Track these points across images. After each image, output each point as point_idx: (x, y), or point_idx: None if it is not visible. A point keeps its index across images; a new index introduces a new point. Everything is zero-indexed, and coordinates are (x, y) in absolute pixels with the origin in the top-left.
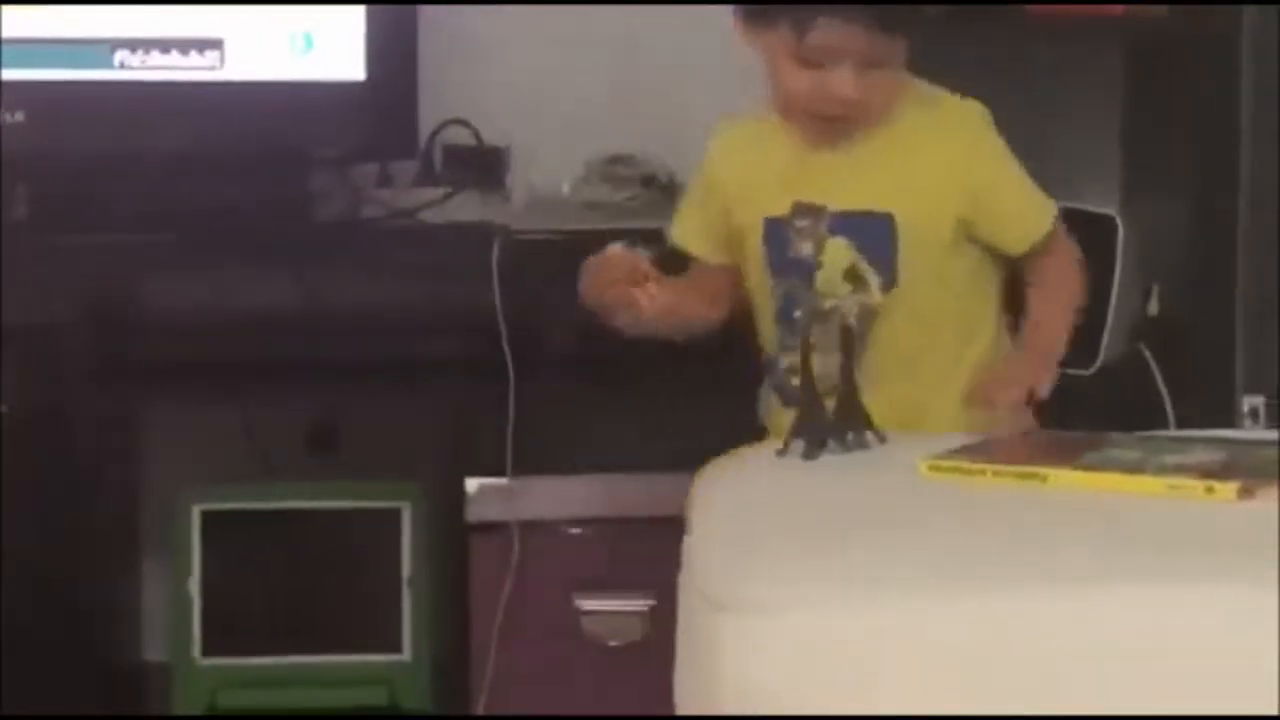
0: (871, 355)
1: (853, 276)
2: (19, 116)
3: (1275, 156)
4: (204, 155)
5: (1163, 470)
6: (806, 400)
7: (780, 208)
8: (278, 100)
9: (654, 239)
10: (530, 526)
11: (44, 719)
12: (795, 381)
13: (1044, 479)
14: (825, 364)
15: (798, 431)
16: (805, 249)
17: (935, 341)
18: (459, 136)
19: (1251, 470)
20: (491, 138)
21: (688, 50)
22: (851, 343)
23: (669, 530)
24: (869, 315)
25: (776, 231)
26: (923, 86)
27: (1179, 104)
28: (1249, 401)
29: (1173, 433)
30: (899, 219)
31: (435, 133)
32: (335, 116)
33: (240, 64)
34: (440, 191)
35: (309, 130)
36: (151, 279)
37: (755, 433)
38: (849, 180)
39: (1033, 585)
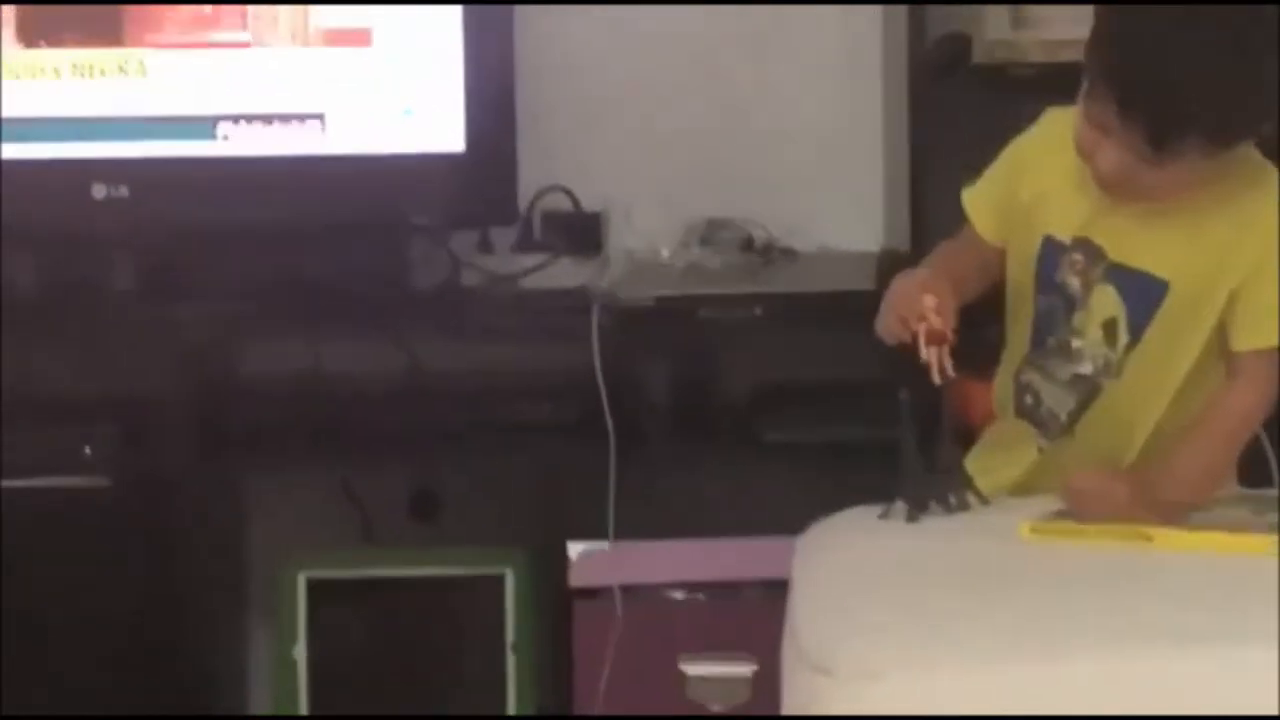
0: (1093, 416)
1: (1108, 330)
2: (123, 191)
3: None
4: (306, 226)
5: (1270, 529)
6: (917, 456)
7: (1064, 230)
8: (379, 171)
9: (757, 303)
10: (633, 591)
11: None
12: (1028, 399)
13: (1149, 539)
14: (1057, 401)
15: (900, 493)
16: (1073, 283)
17: (1149, 415)
18: (558, 203)
19: None
20: (590, 204)
21: (785, 114)
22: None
23: (772, 594)
24: (1108, 373)
25: (1052, 251)
26: (1249, 160)
27: None
28: None
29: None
30: (1174, 289)
31: (535, 200)
32: (436, 186)
33: (341, 137)
34: (540, 257)
35: (410, 200)
36: (255, 348)
37: (857, 495)
38: (1139, 235)
39: (1135, 648)
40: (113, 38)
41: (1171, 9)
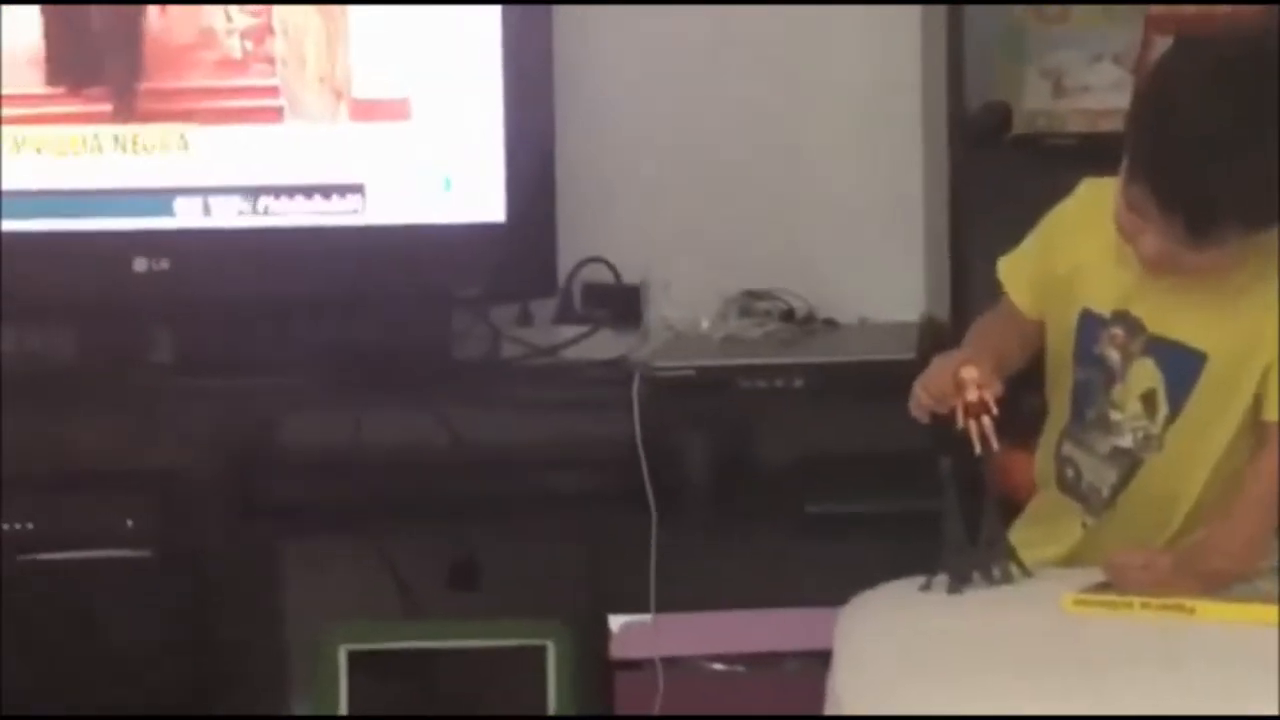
0: (1135, 488)
1: (1148, 402)
2: (164, 264)
3: None
4: (346, 298)
5: None
6: (961, 527)
7: (1102, 303)
8: (419, 242)
9: (797, 374)
10: (675, 663)
11: None
12: (1069, 473)
13: (1190, 611)
14: (1097, 475)
15: (943, 565)
16: (1113, 356)
17: (1192, 486)
18: (597, 274)
19: None
20: (629, 275)
21: (823, 184)
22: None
23: (813, 664)
24: (1149, 447)
25: (1090, 324)
26: None
27: None
28: None
29: None
30: (1211, 360)
31: (574, 271)
32: (476, 257)
33: (381, 208)
34: (580, 329)
35: (450, 271)
36: (295, 419)
37: (900, 566)
38: (1177, 308)
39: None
40: (154, 111)
41: (1202, 102)
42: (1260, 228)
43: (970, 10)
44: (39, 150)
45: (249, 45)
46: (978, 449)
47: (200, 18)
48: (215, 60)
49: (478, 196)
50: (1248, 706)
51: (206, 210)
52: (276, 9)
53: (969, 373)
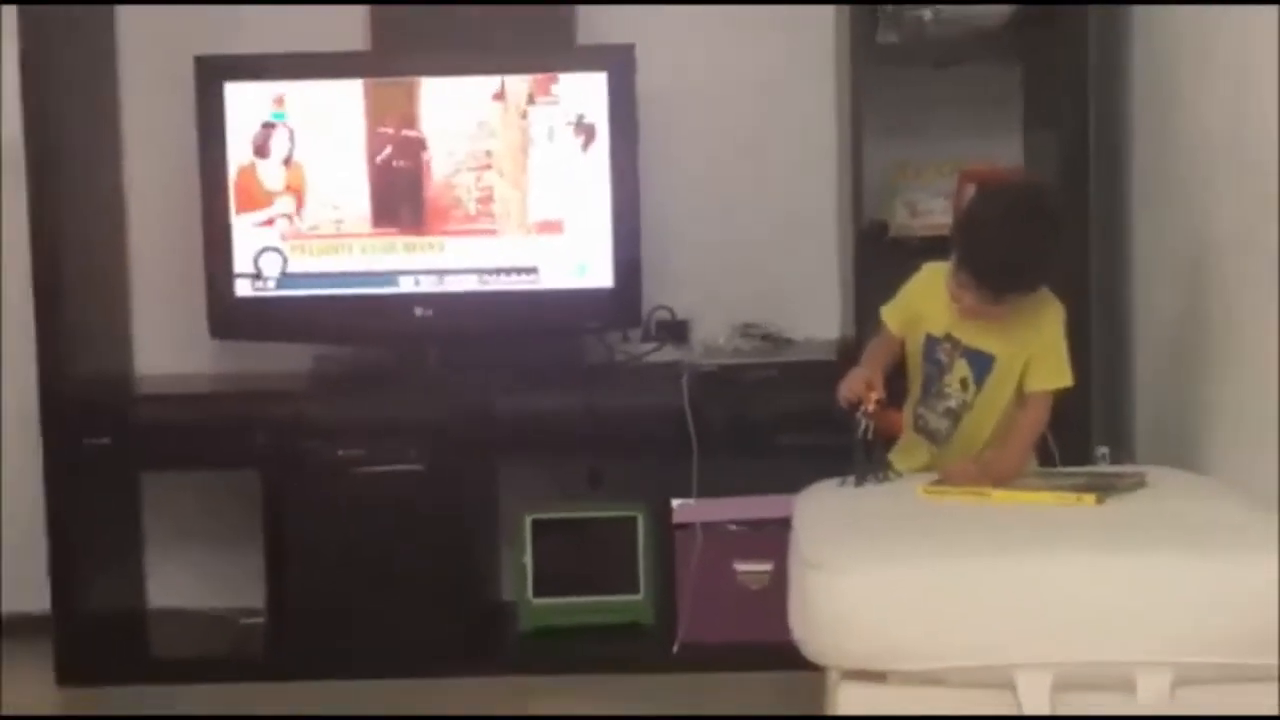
0: (958, 431)
1: (964, 383)
2: (429, 312)
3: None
4: (527, 330)
5: (1053, 489)
6: (862, 453)
7: (938, 329)
8: (566, 299)
9: (774, 369)
10: (708, 525)
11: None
12: (921, 423)
13: (988, 495)
14: (937, 424)
15: (853, 471)
16: (944, 358)
17: (988, 428)
18: (663, 315)
19: (1103, 488)
20: (681, 315)
21: (785, 267)
22: (869, 427)
23: (784, 526)
24: (965, 408)
25: (932, 342)
26: (1040, 291)
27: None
28: (1099, 449)
29: (1058, 469)
30: (997, 359)
31: (650, 313)
32: (597, 307)
33: (547, 280)
34: (654, 345)
35: (583, 314)
36: (503, 398)
37: (829, 473)
38: (979, 333)
39: (988, 552)
40: (423, 229)
41: (998, 228)
42: (1032, 292)
43: (867, 165)
44: (364, 252)
45: (479, 205)
46: (870, 409)
47: (454, 191)
48: (461, 214)
49: (598, 273)
50: (1022, 539)
51: (456, 282)
52: (496, 186)
53: (873, 395)
